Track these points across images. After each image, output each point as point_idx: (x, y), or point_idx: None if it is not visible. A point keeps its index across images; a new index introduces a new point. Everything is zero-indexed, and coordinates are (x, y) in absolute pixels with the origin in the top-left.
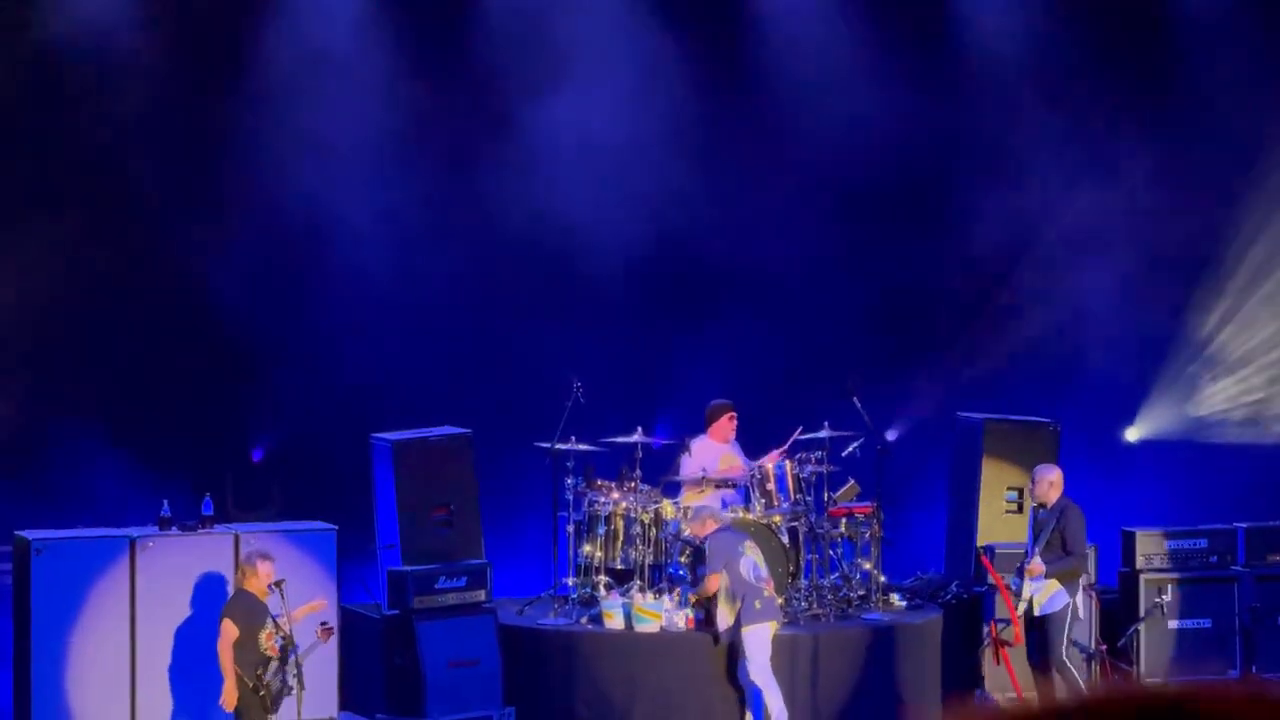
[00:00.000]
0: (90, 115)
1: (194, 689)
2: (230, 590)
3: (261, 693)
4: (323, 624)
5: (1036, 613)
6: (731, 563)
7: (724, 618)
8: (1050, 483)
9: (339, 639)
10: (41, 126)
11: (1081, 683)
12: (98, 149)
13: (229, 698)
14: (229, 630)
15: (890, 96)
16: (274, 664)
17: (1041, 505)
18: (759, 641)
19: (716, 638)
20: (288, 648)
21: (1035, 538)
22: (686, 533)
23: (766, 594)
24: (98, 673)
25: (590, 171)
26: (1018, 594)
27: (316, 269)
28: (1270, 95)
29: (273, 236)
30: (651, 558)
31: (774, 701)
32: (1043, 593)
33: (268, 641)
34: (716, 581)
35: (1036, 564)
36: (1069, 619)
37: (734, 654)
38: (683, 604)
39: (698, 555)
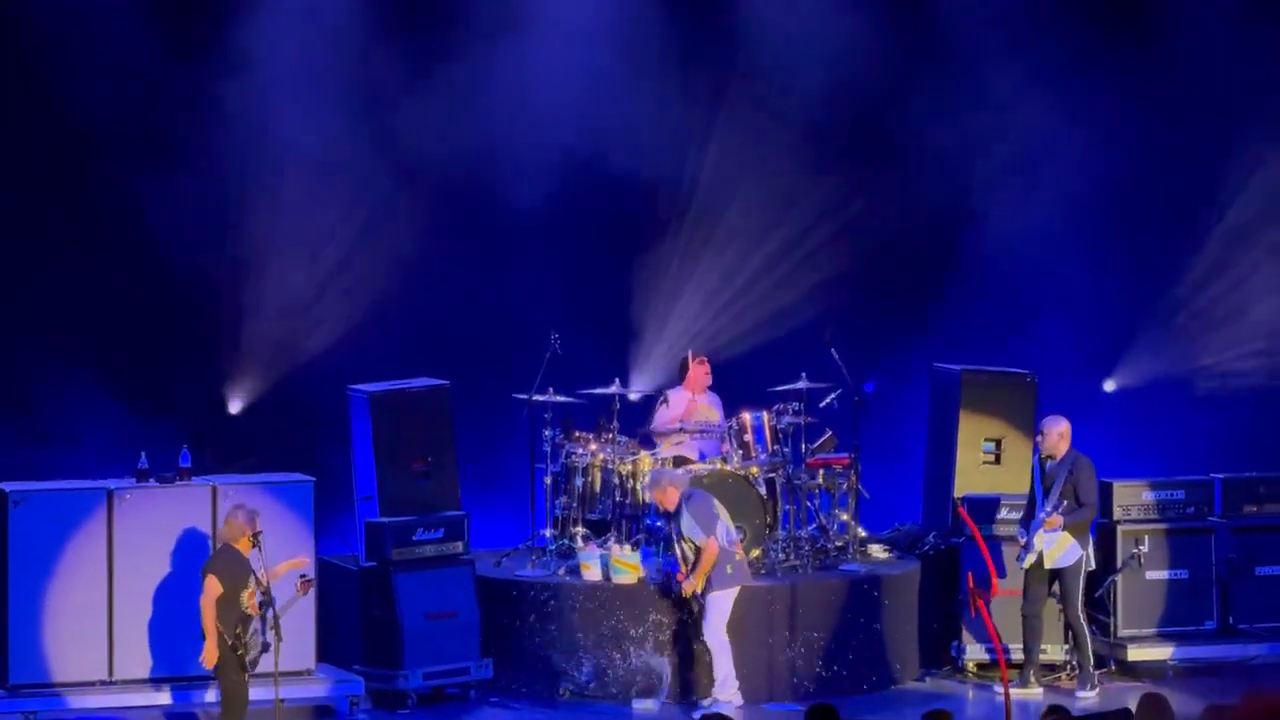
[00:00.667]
0: (53, 64)
1: (172, 641)
2: (211, 544)
3: (240, 651)
4: (302, 576)
5: (1048, 565)
6: (714, 527)
7: (695, 580)
8: (1060, 434)
9: (316, 591)
10: (3, 79)
11: (1094, 638)
12: (62, 99)
13: (210, 656)
14: (212, 587)
15: (867, 39)
16: (254, 622)
17: (1050, 457)
18: (722, 606)
19: (669, 592)
20: (266, 602)
21: (1046, 490)
22: (648, 498)
23: (738, 558)
24: (75, 624)
25: (565, 119)
26: (1028, 546)
27: (294, 221)
28: (1252, 41)
29: (248, 190)
30: (629, 509)
31: (723, 665)
32: (1056, 546)
33: (249, 600)
34: (715, 548)
35: (1055, 517)
36: (1083, 571)
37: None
38: (663, 555)
39: (669, 519)
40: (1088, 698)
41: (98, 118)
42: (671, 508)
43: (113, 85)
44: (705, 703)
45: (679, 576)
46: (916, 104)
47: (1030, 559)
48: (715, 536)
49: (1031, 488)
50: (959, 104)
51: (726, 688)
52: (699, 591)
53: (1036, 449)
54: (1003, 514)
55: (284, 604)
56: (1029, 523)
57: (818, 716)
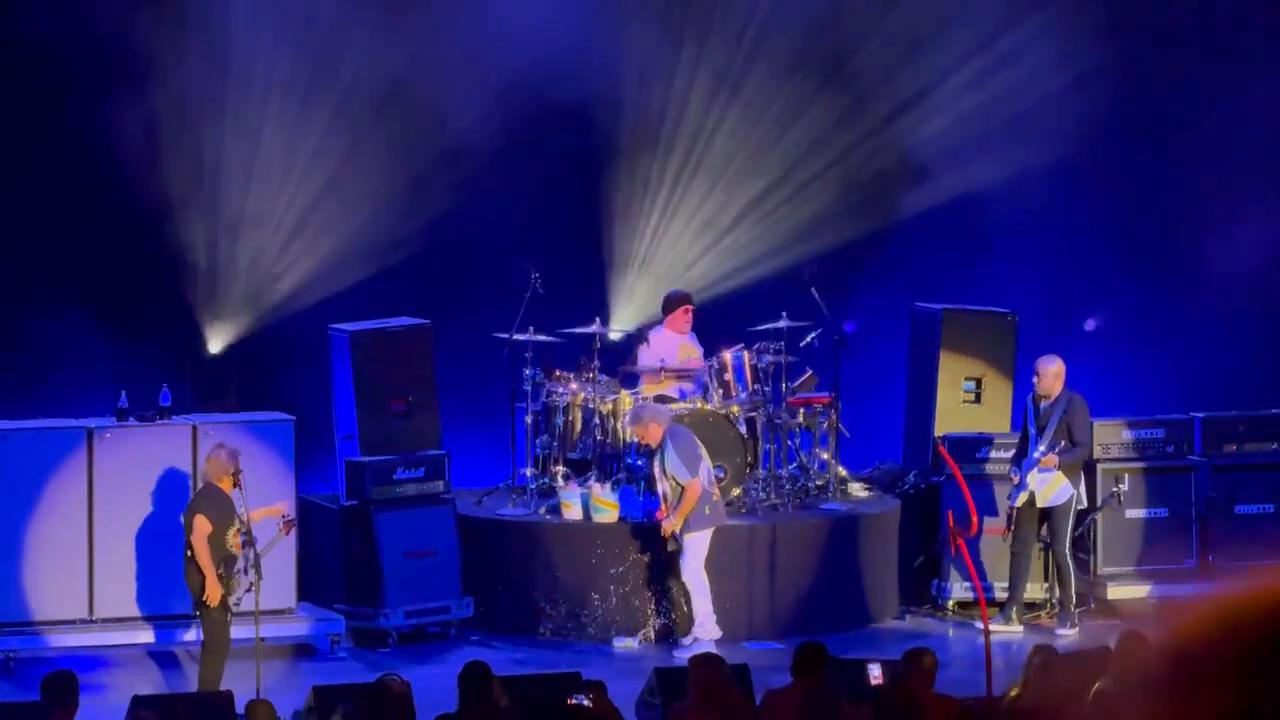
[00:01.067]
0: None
1: (153, 580)
2: (192, 483)
3: (223, 590)
4: (284, 517)
5: (1041, 504)
6: (698, 466)
7: (675, 520)
8: (1055, 374)
9: (298, 530)
10: None
11: (1075, 576)
12: (28, 29)
13: (213, 593)
14: (203, 525)
15: None
16: (238, 561)
17: (1044, 397)
18: (700, 546)
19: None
20: (248, 543)
21: (1040, 430)
22: (630, 434)
23: (715, 498)
24: (55, 563)
25: (541, 54)
26: (1021, 484)
27: (273, 158)
28: None
29: (226, 130)
30: (609, 448)
31: (702, 605)
32: (1049, 485)
33: (234, 538)
34: (699, 488)
35: (1051, 456)
36: (1073, 510)
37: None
38: (644, 494)
39: (650, 455)
40: (1069, 635)
41: (68, 51)
42: (654, 444)
43: (78, 15)
44: (685, 641)
45: (659, 515)
46: (901, 40)
47: (1023, 497)
48: (699, 477)
49: (1025, 427)
50: (942, 41)
51: (706, 626)
52: (677, 532)
53: (1027, 388)
54: (983, 453)
55: (266, 544)
56: (1021, 461)
57: (808, 654)
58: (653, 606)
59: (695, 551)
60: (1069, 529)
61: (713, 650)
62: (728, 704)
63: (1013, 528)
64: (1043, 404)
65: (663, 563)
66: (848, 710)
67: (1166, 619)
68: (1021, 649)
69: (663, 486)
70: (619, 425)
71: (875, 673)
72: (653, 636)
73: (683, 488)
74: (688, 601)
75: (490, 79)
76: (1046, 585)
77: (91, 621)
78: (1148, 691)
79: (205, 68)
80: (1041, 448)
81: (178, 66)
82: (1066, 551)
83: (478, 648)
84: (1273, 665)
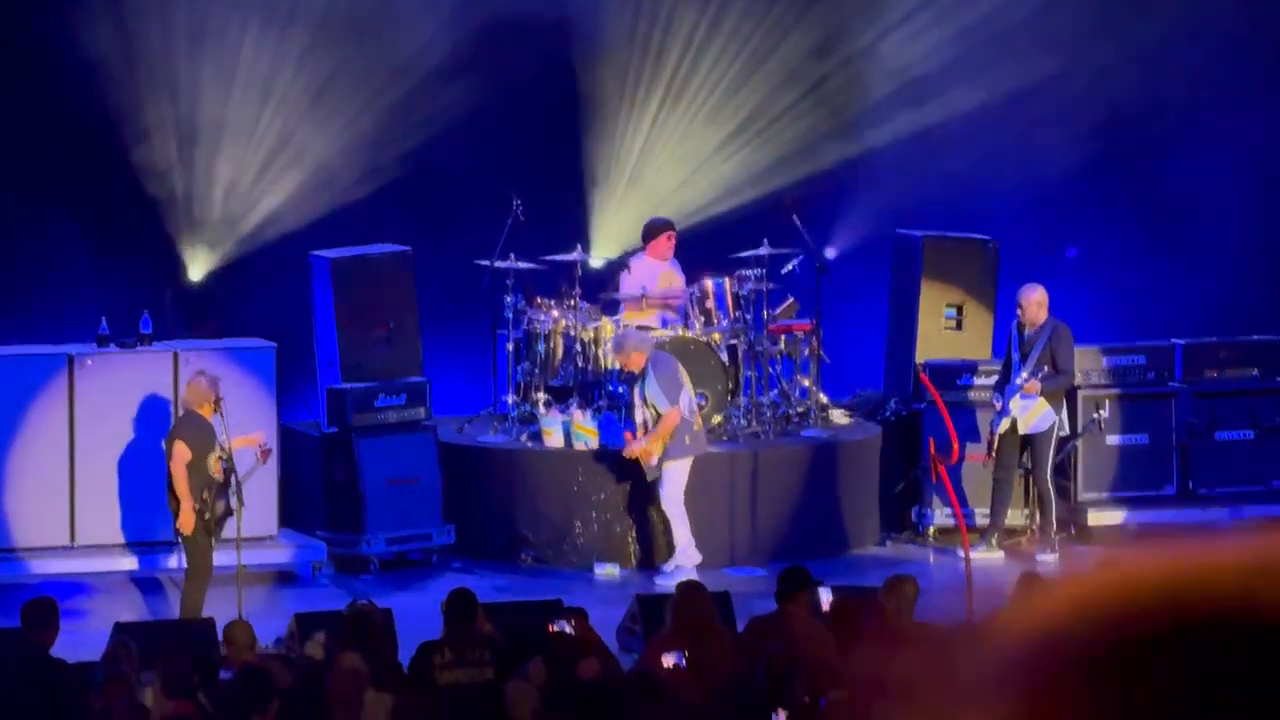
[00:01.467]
0: None
1: (135, 506)
2: (173, 409)
3: (206, 516)
4: (261, 446)
5: (1022, 431)
6: (679, 397)
7: (655, 453)
8: (1038, 302)
9: (279, 457)
10: None
11: (1056, 503)
12: None
13: (187, 520)
14: (182, 452)
15: None
16: (218, 487)
17: (1029, 325)
18: (679, 475)
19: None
20: (230, 470)
21: (1023, 357)
22: (612, 361)
23: (696, 428)
24: (36, 490)
25: None
26: (1004, 411)
27: (252, 83)
28: None
29: (205, 53)
30: (591, 375)
31: (682, 533)
32: (1031, 411)
33: (215, 465)
34: (676, 418)
35: (1034, 383)
36: (1055, 437)
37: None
38: (625, 421)
39: (632, 382)
40: (1049, 561)
41: None
42: (636, 370)
43: None
44: (667, 568)
45: (627, 435)
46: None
47: (1005, 424)
48: (678, 406)
49: (1008, 354)
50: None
51: (687, 553)
52: (655, 460)
53: (1008, 315)
54: (964, 379)
55: (245, 472)
56: (1003, 388)
57: (791, 578)
58: (634, 534)
59: (674, 480)
60: (1050, 456)
61: (694, 577)
62: (707, 631)
63: (994, 454)
64: (1027, 332)
65: (643, 490)
66: (830, 634)
67: (1026, 600)
68: (1002, 575)
69: (642, 414)
70: (600, 352)
71: (826, 598)
72: (634, 563)
73: (660, 415)
74: (667, 530)
75: (470, 11)
76: (1027, 512)
77: (73, 548)
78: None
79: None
80: (1024, 374)
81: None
82: (1048, 478)
83: (459, 574)
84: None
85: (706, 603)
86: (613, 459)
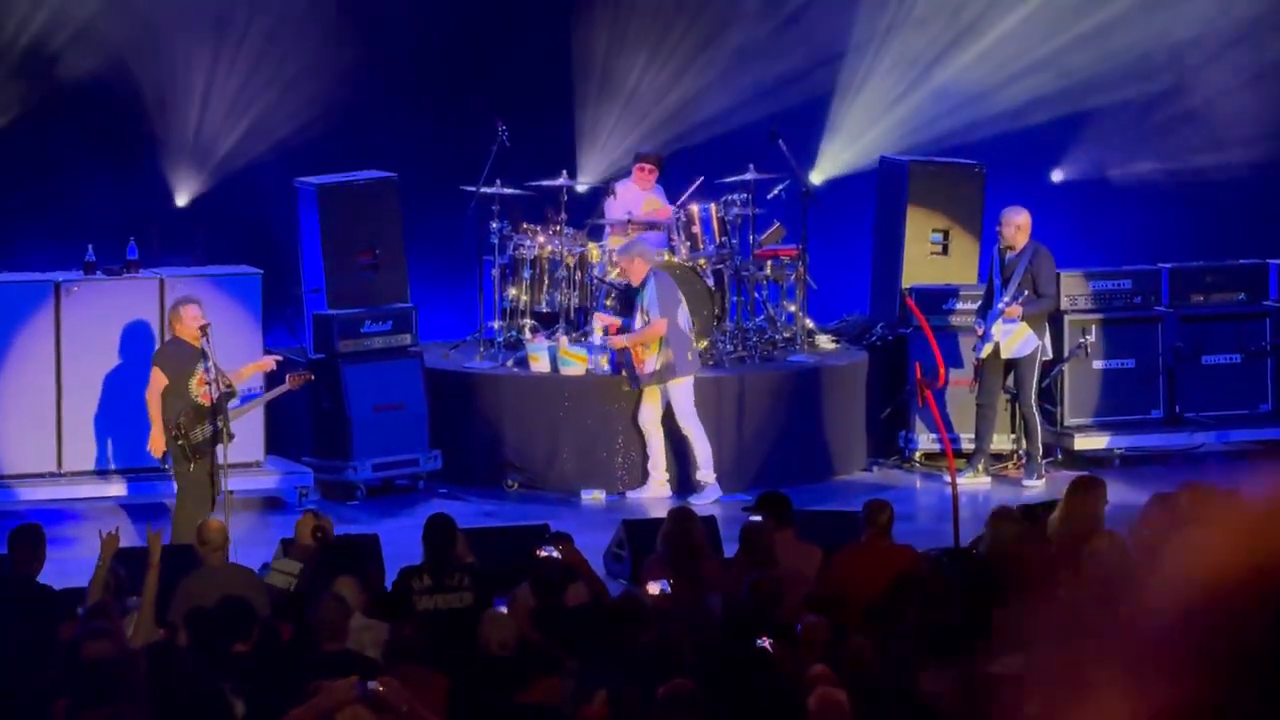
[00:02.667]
0: None
1: (122, 432)
2: (159, 336)
3: (180, 442)
4: (301, 369)
5: (1005, 355)
6: (673, 310)
7: (650, 364)
8: (1018, 226)
9: (264, 381)
10: None
11: (1041, 428)
12: None
13: (156, 443)
14: (157, 378)
15: None
16: (198, 412)
17: (1009, 248)
18: (686, 392)
19: (631, 381)
20: (228, 397)
21: (1005, 281)
22: (614, 275)
23: (693, 346)
24: (23, 417)
25: None
26: (986, 336)
27: (236, 6)
28: None
29: None
30: (577, 301)
31: (702, 448)
32: (1013, 336)
33: (199, 388)
34: (663, 327)
35: (1015, 307)
36: (1038, 361)
37: (644, 400)
38: (603, 345)
39: (625, 297)
40: (1035, 486)
41: None
42: (635, 281)
43: None
44: (704, 482)
45: (608, 322)
46: None
47: (988, 349)
48: (671, 319)
49: (990, 279)
50: None
51: (710, 469)
52: (649, 369)
53: (994, 240)
54: (950, 304)
55: (274, 394)
56: (986, 313)
57: (770, 504)
58: (620, 459)
59: (685, 398)
60: (1034, 380)
61: (687, 503)
62: (698, 557)
63: (977, 380)
64: (1008, 255)
65: (630, 414)
66: (815, 557)
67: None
68: (989, 500)
69: (640, 321)
70: (586, 278)
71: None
72: (620, 489)
73: (648, 321)
74: (645, 454)
75: None
76: (1014, 437)
77: (60, 475)
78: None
79: None
80: (1005, 299)
81: None
82: (1033, 403)
83: (446, 500)
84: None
85: (697, 529)
86: (599, 383)
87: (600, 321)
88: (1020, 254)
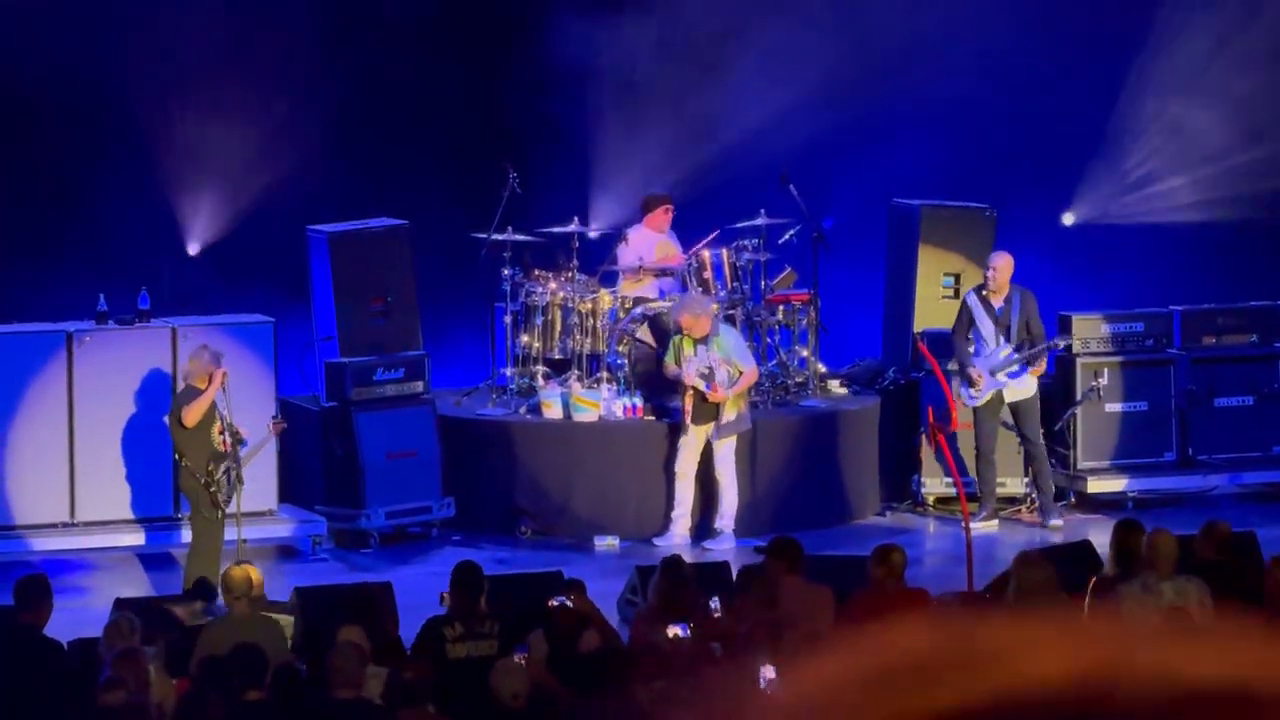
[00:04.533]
0: None
1: (133, 482)
2: (173, 385)
3: (212, 489)
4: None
5: (1011, 400)
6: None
7: (727, 414)
8: (1008, 269)
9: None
10: None
11: (1054, 470)
12: None
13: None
14: (192, 413)
15: None
16: (225, 460)
17: (994, 293)
18: (734, 441)
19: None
20: (237, 443)
21: (1003, 328)
22: (674, 321)
23: None
24: (36, 468)
25: None
26: (990, 384)
27: (244, 60)
28: None
29: (195, 27)
30: (589, 347)
31: (731, 496)
32: (1026, 383)
33: (218, 436)
34: (755, 376)
35: (1042, 364)
36: (1038, 399)
37: (686, 447)
38: (623, 392)
39: (655, 327)
40: (1058, 527)
41: None
42: (700, 334)
43: None
44: (722, 529)
45: (713, 389)
46: None
47: (989, 396)
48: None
49: (968, 323)
50: None
51: (731, 518)
52: (730, 419)
53: (982, 285)
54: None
55: (253, 445)
56: (976, 359)
57: (781, 549)
58: (634, 505)
59: (732, 445)
60: (1038, 419)
61: (684, 552)
62: (692, 606)
63: (976, 426)
64: (994, 300)
65: (643, 461)
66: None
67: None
68: (1001, 544)
69: (721, 373)
70: (598, 324)
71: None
72: (633, 535)
73: (741, 372)
74: (678, 499)
75: None
76: (1026, 480)
77: (73, 524)
78: None
79: None
80: (1008, 348)
81: None
82: (1042, 443)
83: (459, 548)
84: None
85: (689, 579)
86: (612, 430)
87: (720, 392)
88: (1008, 298)
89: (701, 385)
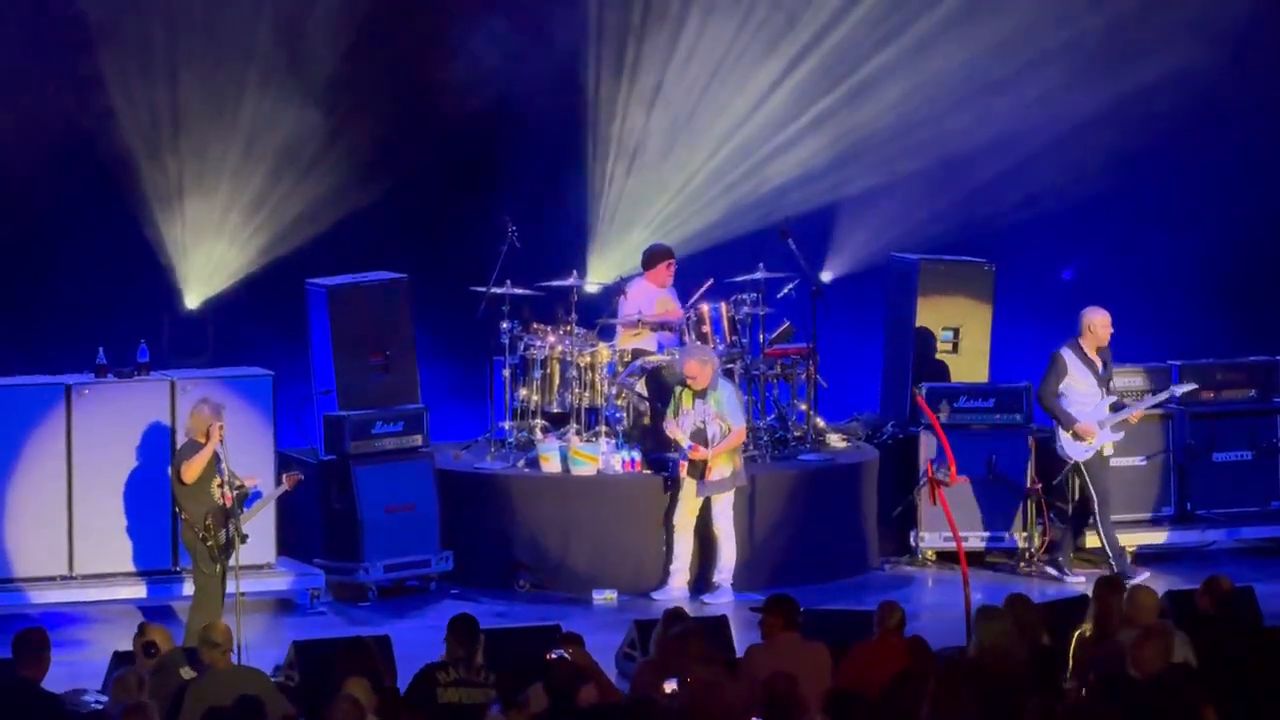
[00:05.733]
0: None
1: (132, 536)
2: (171, 438)
3: (209, 542)
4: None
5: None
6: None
7: (719, 471)
8: (1110, 325)
9: (276, 484)
10: None
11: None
12: None
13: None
14: (191, 469)
15: None
16: (222, 513)
17: (1097, 348)
18: (732, 499)
19: (669, 485)
20: (241, 497)
21: (1104, 384)
22: (680, 367)
23: None
24: (35, 520)
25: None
26: (1102, 437)
27: (247, 116)
28: None
29: (198, 84)
30: (588, 401)
31: (729, 551)
32: (1117, 435)
33: (218, 491)
34: (744, 435)
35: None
36: None
37: (683, 501)
38: (622, 445)
39: (654, 379)
40: (1147, 576)
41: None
42: (701, 385)
43: None
44: (720, 584)
45: (693, 450)
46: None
47: (1098, 449)
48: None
49: (1063, 377)
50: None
51: (729, 572)
52: (718, 476)
53: (1073, 341)
54: (961, 402)
55: (268, 496)
56: (1063, 412)
57: (778, 606)
58: (632, 559)
59: (730, 500)
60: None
61: (683, 605)
62: (693, 660)
63: (1095, 481)
64: (1093, 355)
65: (641, 515)
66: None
67: None
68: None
69: (713, 428)
70: (597, 378)
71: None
72: (631, 589)
73: (730, 429)
74: (675, 552)
75: (459, 44)
76: (1024, 535)
77: (71, 578)
78: None
79: (178, 35)
80: (1111, 400)
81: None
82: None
83: (457, 601)
84: None
85: (690, 631)
86: (611, 483)
87: (701, 451)
88: (1104, 353)
89: (684, 442)
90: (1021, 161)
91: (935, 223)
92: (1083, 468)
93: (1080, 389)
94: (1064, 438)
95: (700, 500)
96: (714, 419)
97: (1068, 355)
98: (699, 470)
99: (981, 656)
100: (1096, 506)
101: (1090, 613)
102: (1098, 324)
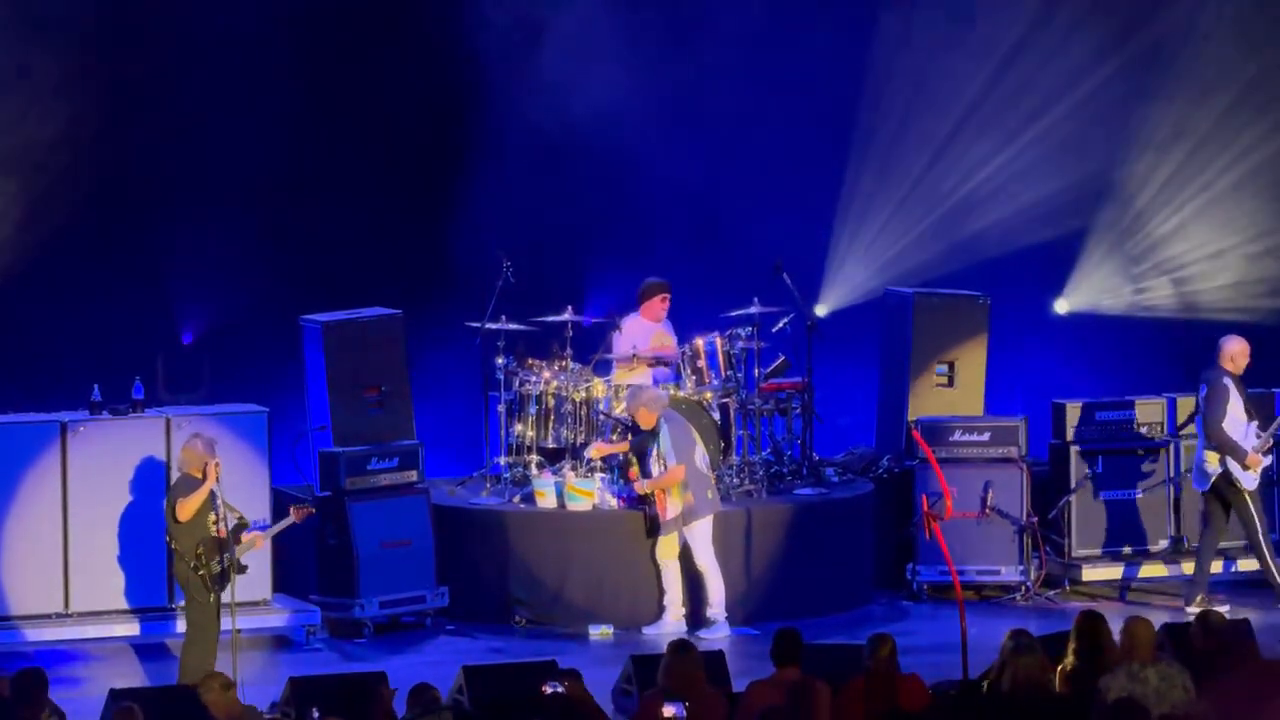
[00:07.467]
0: None
1: (128, 573)
2: (167, 475)
3: (201, 573)
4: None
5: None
6: (689, 453)
7: (673, 508)
8: None
9: (273, 520)
10: None
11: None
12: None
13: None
14: (187, 508)
15: None
16: (216, 545)
17: (1239, 376)
18: (705, 530)
19: (652, 526)
20: (240, 528)
21: (1249, 414)
22: (619, 410)
23: (712, 483)
24: (30, 558)
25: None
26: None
27: (238, 151)
28: None
29: (195, 121)
30: (583, 436)
31: (716, 585)
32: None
33: (212, 525)
34: (681, 473)
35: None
36: None
37: (662, 537)
38: (614, 485)
39: (633, 431)
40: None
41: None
42: (646, 427)
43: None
44: (713, 619)
45: (636, 485)
46: (882, 35)
47: (1245, 483)
48: (689, 463)
49: (1216, 409)
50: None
51: (721, 607)
52: (670, 515)
53: (1219, 369)
54: (957, 436)
55: (279, 526)
56: (1233, 441)
57: (784, 641)
58: (628, 594)
59: (703, 535)
60: None
61: (688, 637)
62: (697, 691)
63: (1259, 511)
64: (1239, 383)
65: (638, 550)
66: (826, 695)
67: None
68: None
69: (658, 468)
70: (591, 414)
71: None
72: (628, 624)
73: (666, 468)
74: (664, 586)
75: (459, 75)
76: (1020, 568)
77: (67, 615)
78: None
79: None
80: (1255, 426)
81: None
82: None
83: (453, 637)
84: None
85: (695, 662)
86: (607, 519)
87: (599, 451)
88: (1241, 381)
89: (594, 454)
90: (1013, 193)
91: (929, 254)
92: (1247, 497)
93: (1239, 417)
94: (1234, 468)
95: (676, 534)
96: (655, 459)
97: (1229, 383)
98: (649, 507)
99: (1015, 691)
100: (1261, 534)
101: (1070, 647)
102: (1238, 352)
